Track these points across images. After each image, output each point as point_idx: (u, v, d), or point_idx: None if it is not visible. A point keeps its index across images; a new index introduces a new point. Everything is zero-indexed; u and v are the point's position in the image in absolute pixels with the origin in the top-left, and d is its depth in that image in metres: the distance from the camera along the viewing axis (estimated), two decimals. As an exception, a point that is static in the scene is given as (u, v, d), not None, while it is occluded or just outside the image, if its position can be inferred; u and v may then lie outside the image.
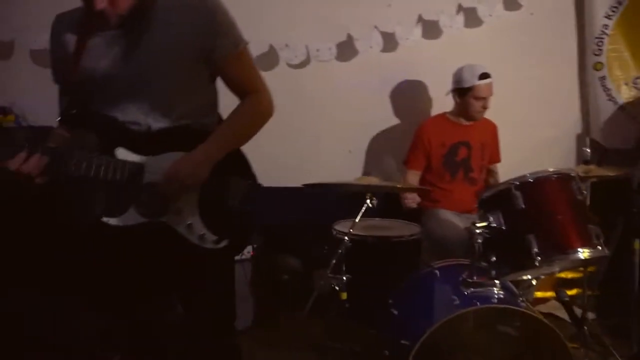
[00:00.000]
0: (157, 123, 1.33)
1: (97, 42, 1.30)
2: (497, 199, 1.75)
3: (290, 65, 2.89)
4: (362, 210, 2.04)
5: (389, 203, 2.73)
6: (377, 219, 2.50)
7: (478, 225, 1.74)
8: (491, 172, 2.86)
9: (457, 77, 2.67)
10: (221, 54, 1.34)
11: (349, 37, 2.86)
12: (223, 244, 1.38)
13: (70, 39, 1.32)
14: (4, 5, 2.97)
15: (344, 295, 1.99)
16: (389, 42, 2.88)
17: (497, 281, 1.75)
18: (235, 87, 1.43)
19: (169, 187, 1.29)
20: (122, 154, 1.29)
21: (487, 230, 1.74)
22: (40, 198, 1.63)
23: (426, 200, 2.71)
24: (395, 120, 3.06)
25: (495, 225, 1.72)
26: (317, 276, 3.03)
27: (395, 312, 1.97)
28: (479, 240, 1.73)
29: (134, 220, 1.31)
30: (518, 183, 1.69)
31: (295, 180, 2.99)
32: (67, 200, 1.46)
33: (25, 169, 1.18)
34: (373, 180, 2.11)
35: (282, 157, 2.91)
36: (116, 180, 1.28)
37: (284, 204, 3.09)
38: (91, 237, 1.40)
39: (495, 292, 1.74)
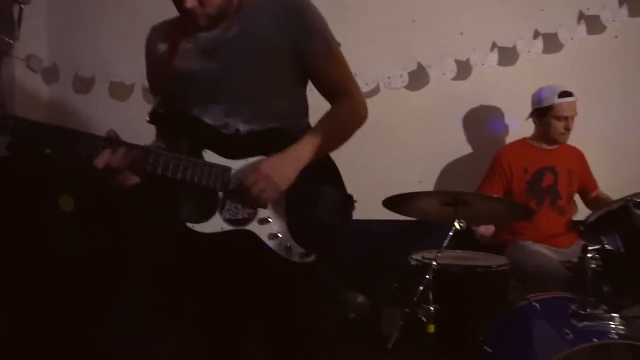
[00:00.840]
0: (245, 126, 1.28)
1: (187, 45, 1.29)
2: (612, 219, 1.56)
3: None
4: (450, 234, 1.88)
5: (461, 234, 2.55)
6: (458, 250, 2.33)
7: (590, 249, 1.54)
8: (600, 198, 2.61)
9: (537, 98, 2.54)
10: (312, 55, 1.30)
11: (421, 65, 2.81)
12: (311, 258, 1.28)
13: (163, 47, 1.32)
14: (88, 45, 3.16)
15: (432, 329, 1.80)
16: (463, 69, 2.80)
17: (615, 315, 1.53)
18: (326, 89, 1.37)
19: (254, 187, 1.20)
20: (210, 156, 1.23)
21: (599, 256, 1.54)
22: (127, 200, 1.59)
23: (507, 233, 2.52)
24: (468, 149, 2.92)
25: (611, 248, 1.53)
26: (386, 315, 2.85)
27: (490, 350, 1.76)
28: (593, 266, 1.53)
29: (219, 228, 1.23)
30: (638, 200, 1.51)
31: (363, 212, 2.87)
32: (152, 203, 1.41)
33: (113, 162, 1.15)
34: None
35: (351, 188, 2.82)
36: (202, 184, 1.22)
37: (351, 238, 2.99)
38: (174, 243, 1.34)
39: (615, 326, 1.51)
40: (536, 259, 2.28)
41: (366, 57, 2.80)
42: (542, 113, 2.51)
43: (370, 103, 2.75)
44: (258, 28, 1.26)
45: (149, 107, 1.34)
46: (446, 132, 2.89)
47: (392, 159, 2.90)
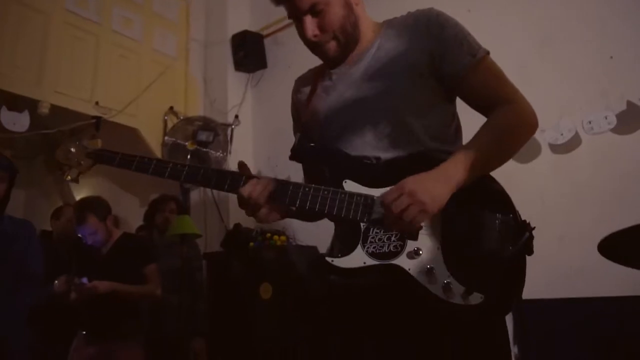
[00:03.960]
0: (387, 153, 1.16)
1: (325, 83, 1.29)
2: None
3: (555, 149, 2.49)
4: None
5: None
6: None
7: None
8: None
9: None
10: (455, 68, 1.16)
11: (631, 103, 2.34)
12: (475, 299, 1.02)
13: (305, 90, 1.35)
14: (284, 153, 3.55)
15: None
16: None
17: None
18: (479, 102, 1.19)
19: (395, 205, 1.03)
20: (351, 186, 1.14)
21: None
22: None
23: None
24: None
25: None
26: None
27: None
28: None
29: (361, 262, 1.08)
30: None
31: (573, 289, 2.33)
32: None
33: (254, 192, 1.14)
34: None
35: (556, 266, 2.31)
36: (342, 215, 1.11)
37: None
38: (313, 279, 1.23)
39: None
40: None
41: (554, 105, 2.48)
42: None
43: (570, 158, 2.45)
44: (393, 50, 1.20)
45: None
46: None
47: (611, 223, 2.34)
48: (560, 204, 2.44)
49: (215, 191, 3.51)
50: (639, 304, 2.12)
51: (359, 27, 1.23)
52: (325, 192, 1.13)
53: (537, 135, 2.45)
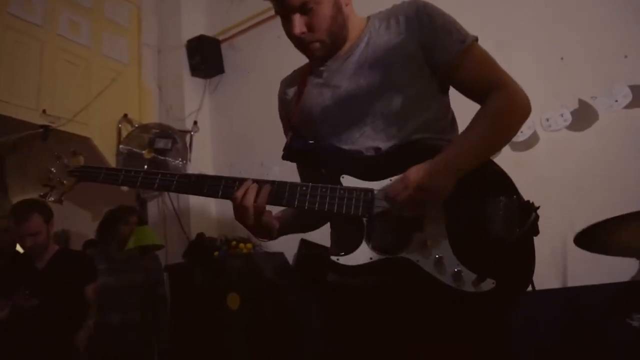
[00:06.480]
0: (386, 144, 1.15)
1: (313, 82, 1.26)
2: None
3: (515, 147, 2.57)
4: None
5: None
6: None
7: None
8: None
9: None
10: (447, 56, 1.16)
11: (582, 101, 2.46)
12: (488, 285, 1.01)
13: (292, 90, 1.32)
14: (245, 158, 3.48)
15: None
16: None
17: None
18: (472, 90, 1.18)
19: (405, 197, 1.02)
20: (349, 181, 1.11)
21: None
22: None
23: None
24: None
25: None
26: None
27: None
28: None
29: (367, 258, 1.06)
30: None
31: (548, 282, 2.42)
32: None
33: (249, 199, 1.10)
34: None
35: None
36: (342, 212, 1.09)
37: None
38: (318, 279, 1.19)
39: None
40: None
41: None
42: None
43: (529, 155, 2.54)
44: (384, 43, 1.19)
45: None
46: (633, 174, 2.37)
47: (570, 217, 2.44)
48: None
49: (176, 201, 3.38)
50: (607, 291, 2.20)
51: (347, 26, 1.21)
52: (323, 190, 1.10)
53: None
